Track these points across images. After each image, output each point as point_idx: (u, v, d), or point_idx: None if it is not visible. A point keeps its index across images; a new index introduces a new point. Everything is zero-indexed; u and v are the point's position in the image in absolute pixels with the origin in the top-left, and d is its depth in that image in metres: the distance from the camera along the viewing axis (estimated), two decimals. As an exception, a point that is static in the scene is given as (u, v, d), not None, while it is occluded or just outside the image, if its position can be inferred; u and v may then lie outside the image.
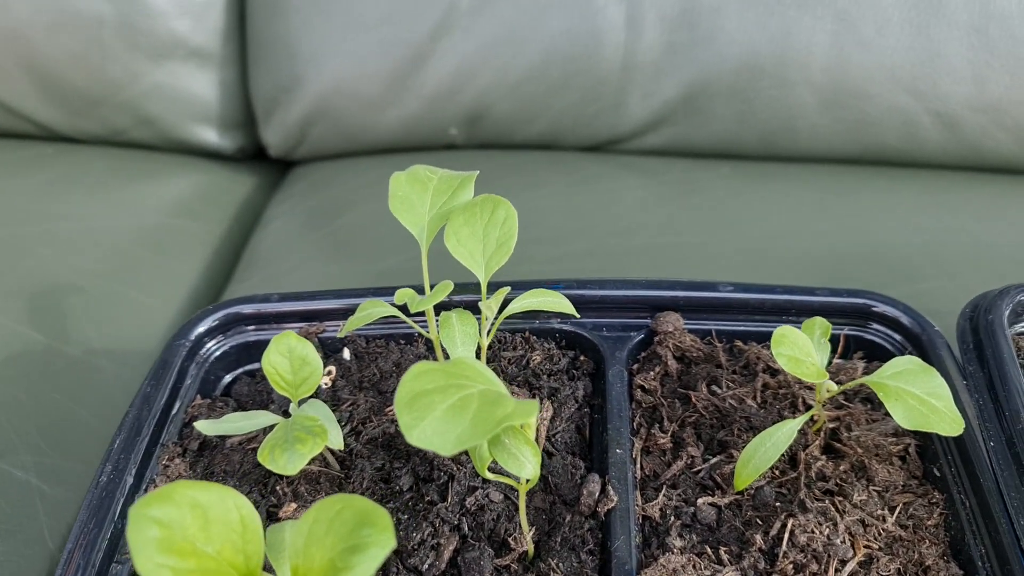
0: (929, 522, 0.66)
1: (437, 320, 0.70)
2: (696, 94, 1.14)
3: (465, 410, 0.54)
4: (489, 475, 0.61)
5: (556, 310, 0.71)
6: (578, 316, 0.73)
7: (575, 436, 0.73)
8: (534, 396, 0.74)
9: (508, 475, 0.62)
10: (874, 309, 0.75)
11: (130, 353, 1.00)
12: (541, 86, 1.14)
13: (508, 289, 0.68)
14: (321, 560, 0.51)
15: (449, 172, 0.74)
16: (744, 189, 1.15)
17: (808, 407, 0.72)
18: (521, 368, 0.77)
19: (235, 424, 0.68)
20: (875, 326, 0.75)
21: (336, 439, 0.66)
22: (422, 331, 0.72)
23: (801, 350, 0.63)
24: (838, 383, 0.67)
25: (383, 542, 0.49)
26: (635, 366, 0.77)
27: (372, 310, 0.72)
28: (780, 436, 0.65)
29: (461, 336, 0.68)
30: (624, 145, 1.20)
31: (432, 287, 0.68)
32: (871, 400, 0.74)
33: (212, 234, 1.16)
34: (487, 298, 0.68)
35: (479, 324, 0.69)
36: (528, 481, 0.62)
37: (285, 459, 0.61)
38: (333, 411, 0.75)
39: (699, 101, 1.15)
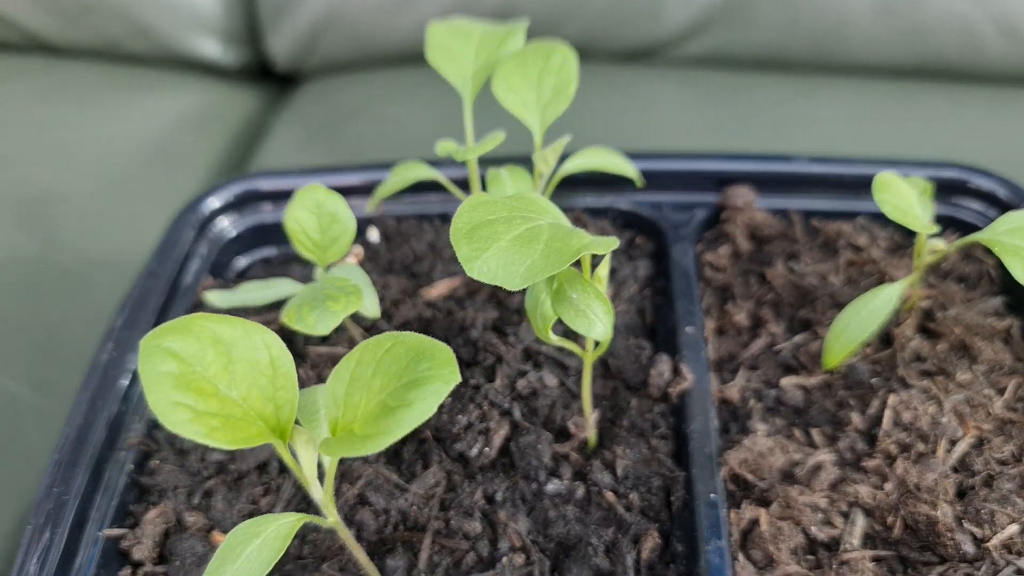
0: (1041, 403, 0.58)
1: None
2: (739, -3, 1.06)
3: (535, 240, 0.46)
4: (554, 338, 0.52)
5: (617, 172, 0.63)
6: (641, 184, 0.65)
7: (636, 319, 0.65)
8: (588, 276, 0.66)
9: (574, 340, 0.54)
10: (968, 184, 0.67)
11: (125, 265, 0.91)
12: (572, -15, 1.06)
13: (569, 138, 0.60)
14: (368, 405, 0.42)
15: (499, 25, 0.66)
16: (791, 101, 1.07)
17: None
18: (573, 248, 0.68)
19: (252, 294, 0.60)
20: (968, 203, 0.67)
21: (372, 305, 0.58)
22: (463, 196, 0.64)
23: (905, 200, 0.55)
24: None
25: (446, 376, 0.41)
26: (701, 246, 0.69)
27: (408, 173, 0.64)
28: (878, 303, 0.57)
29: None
30: (662, 54, 1.12)
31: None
32: (965, 280, 0.66)
33: (213, 149, 1.07)
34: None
35: (532, 182, 0.61)
36: (598, 347, 0.54)
37: (315, 317, 0.53)
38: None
39: (745, 4, 1.07)
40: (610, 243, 0.47)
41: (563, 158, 0.61)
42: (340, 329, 0.64)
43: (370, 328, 0.65)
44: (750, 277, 0.65)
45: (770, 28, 1.08)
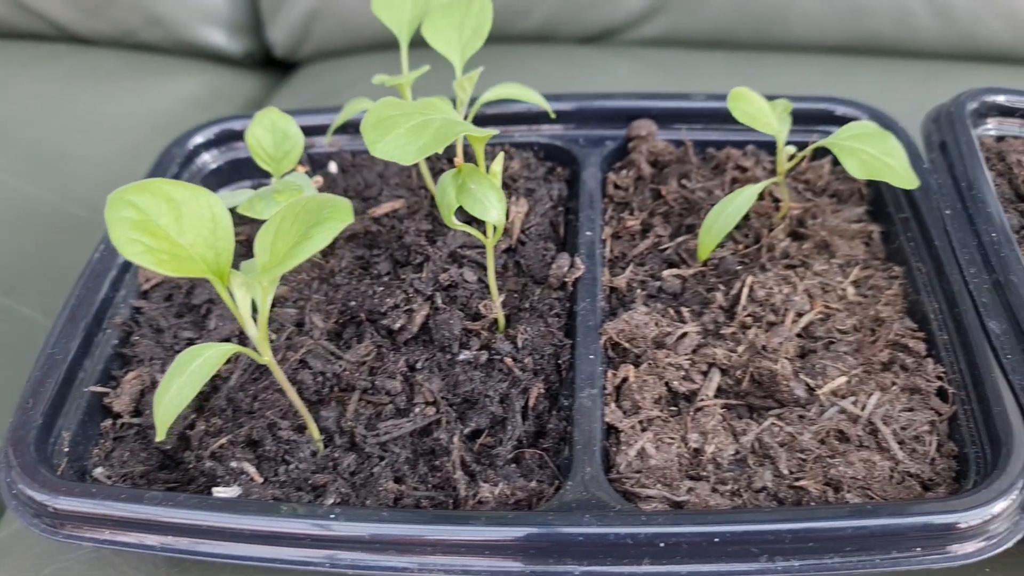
0: (889, 291, 0.68)
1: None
2: (688, -18, 1.17)
3: (427, 128, 0.57)
4: (456, 224, 0.63)
5: (529, 101, 0.74)
6: (553, 115, 0.76)
7: (549, 229, 0.76)
8: (510, 196, 0.77)
9: (476, 227, 0.65)
10: (836, 112, 0.77)
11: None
12: (536, -24, 1.18)
13: (481, 69, 0.71)
14: (286, 246, 0.53)
15: (431, -20, 0.77)
16: (737, 76, 1.17)
17: (776, 199, 0.74)
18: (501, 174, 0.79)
19: (228, 199, 0.72)
20: (835, 128, 0.77)
21: (314, 205, 0.69)
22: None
23: (756, 107, 0.66)
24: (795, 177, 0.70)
25: (341, 216, 0.52)
26: (611, 172, 0.79)
27: (356, 106, 0.76)
28: (740, 200, 0.67)
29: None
30: (620, 36, 1.23)
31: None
32: (838, 196, 0.76)
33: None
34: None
35: (454, 107, 0.72)
36: (496, 232, 0.64)
37: (262, 205, 0.64)
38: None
39: (691, -11, 1.18)
40: (487, 133, 0.58)
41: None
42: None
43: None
44: (647, 193, 0.76)
45: (718, 10, 1.19)
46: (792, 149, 0.67)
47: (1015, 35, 1.18)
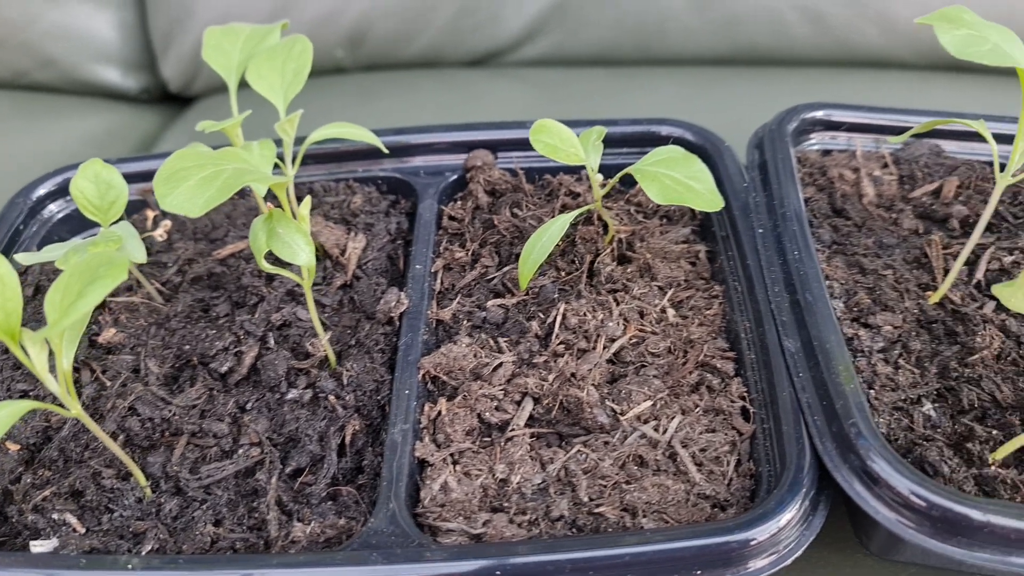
0: (708, 311, 0.69)
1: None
2: (567, 1, 1.19)
3: (216, 179, 0.58)
4: (266, 265, 0.64)
5: (357, 139, 0.75)
6: (386, 151, 0.77)
7: (386, 263, 0.77)
8: (349, 231, 0.78)
9: (290, 269, 0.66)
10: (661, 133, 0.78)
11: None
12: (419, 3, 1.19)
13: (301, 112, 0.72)
14: (68, 302, 0.54)
15: (264, 26, 0.79)
16: (618, 91, 1.19)
17: (604, 223, 0.75)
18: (342, 210, 0.81)
19: (51, 253, 0.72)
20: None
21: (139, 253, 0.70)
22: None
23: (563, 140, 0.67)
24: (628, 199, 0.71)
25: (115, 274, 0.53)
26: (451, 202, 0.81)
27: (185, 151, 0.77)
28: (553, 230, 0.68)
29: (260, 159, 0.72)
30: (505, 58, 1.24)
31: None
32: (669, 217, 0.77)
33: (112, 163, 1.20)
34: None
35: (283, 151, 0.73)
36: (310, 273, 0.65)
37: (77, 257, 0.65)
38: (166, 256, 0.79)
39: (571, 8, 1.19)
40: (283, 180, 0.59)
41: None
42: (140, 284, 0.76)
43: (165, 282, 0.77)
44: (481, 223, 0.77)
45: (599, 28, 1.20)
46: (599, 177, 0.68)
47: (888, 40, 1.20)
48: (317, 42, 1.22)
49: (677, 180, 0.66)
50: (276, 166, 0.73)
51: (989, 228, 0.74)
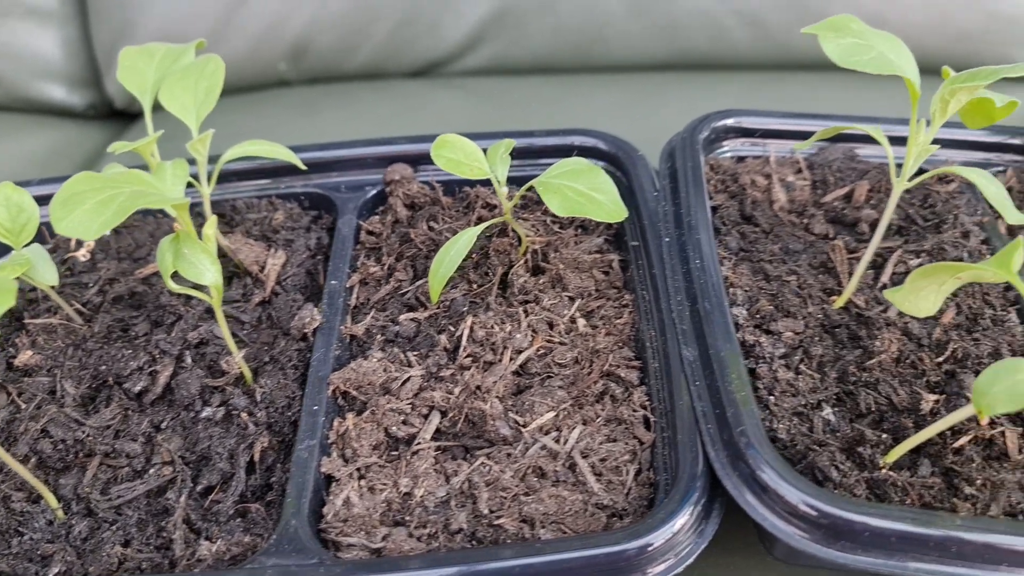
0: (618, 321, 0.70)
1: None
2: (507, 10, 1.19)
3: (112, 203, 0.58)
4: (174, 286, 0.64)
5: (272, 156, 0.76)
6: (304, 167, 0.78)
7: (305, 279, 0.77)
8: (270, 248, 0.78)
9: (199, 288, 0.67)
10: (575, 143, 0.79)
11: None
12: (360, 15, 1.20)
13: (212, 132, 0.72)
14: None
15: (179, 45, 0.79)
16: (559, 99, 1.20)
17: (517, 233, 0.75)
18: (263, 227, 0.81)
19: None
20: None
21: (50, 275, 0.70)
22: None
23: (467, 155, 0.67)
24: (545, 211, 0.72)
25: (2, 300, 0.54)
26: (372, 216, 0.81)
27: (84, 174, 0.77)
28: (461, 243, 0.68)
29: (172, 179, 0.72)
30: (447, 67, 1.25)
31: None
32: (585, 226, 0.77)
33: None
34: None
35: (199, 170, 0.73)
36: (218, 293, 0.66)
37: (-15, 282, 0.65)
38: (88, 276, 0.80)
39: (511, 17, 1.20)
40: (183, 201, 0.60)
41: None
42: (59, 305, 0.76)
43: (86, 303, 0.77)
44: (399, 238, 0.77)
45: (539, 37, 1.21)
46: (504, 190, 0.69)
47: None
48: (260, 56, 1.23)
49: (579, 192, 0.66)
50: (191, 185, 0.74)
51: (899, 231, 0.75)
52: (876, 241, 0.66)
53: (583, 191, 0.66)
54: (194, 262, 0.63)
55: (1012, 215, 0.61)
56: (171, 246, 0.64)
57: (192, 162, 0.75)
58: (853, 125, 0.66)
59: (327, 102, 1.23)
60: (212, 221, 0.65)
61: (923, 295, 0.58)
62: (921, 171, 0.65)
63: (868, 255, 0.66)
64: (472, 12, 1.20)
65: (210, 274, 0.63)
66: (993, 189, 0.62)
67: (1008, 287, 0.70)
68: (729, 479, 0.55)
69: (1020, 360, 0.52)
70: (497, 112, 1.19)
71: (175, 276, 0.62)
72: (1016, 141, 0.83)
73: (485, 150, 0.70)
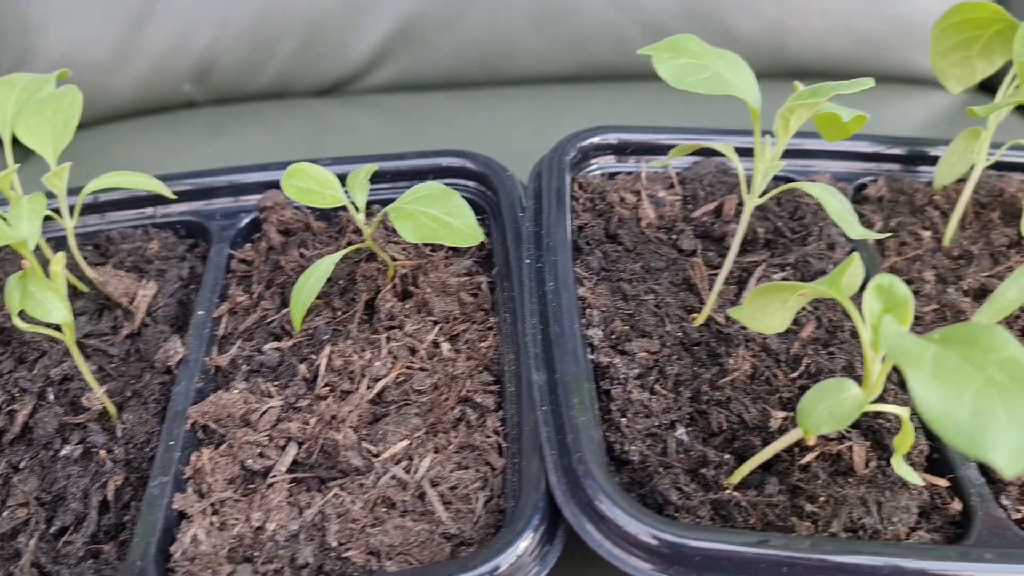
0: (482, 344, 0.69)
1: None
2: (411, 27, 1.19)
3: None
4: (22, 324, 0.63)
5: (138, 187, 0.75)
6: (173, 196, 0.77)
7: (176, 310, 0.76)
8: (142, 279, 0.77)
9: (49, 326, 0.66)
10: (443, 164, 0.79)
11: None
12: (263, 34, 1.19)
13: (70, 164, 0.72)
14: None
15: (40, 75, 0.78)
16: (467, 114, 1.20)
17: (393, 258, 0.75)
18: (137, 257, 0.80)
19: None
20: (452, 180, 0.79)
21: None
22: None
23: (319, 183, 0.67)
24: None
25: None
26: (247, 244, 0.80)
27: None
28: (321, 270, 0.68)
29: (27, 214, 0.72)
30: (355, 85, 1.25)
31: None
32: (457, 248, 0.77)
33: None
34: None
35: (60, 203, 0.73)
36: (69, 329, 0.65)
37: None
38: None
39: (416, 33, 1.20)
40: (8, 239, 0.59)
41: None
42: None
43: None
44: (270, 265, 0.77)
45: (444, 52, 1.21)
46: (362, 218, 0.68)
47: (732, 51, 1.21)
48: (164, 77, 1.22)
49: (433, 217, 0.66)
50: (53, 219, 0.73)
51: (766, 244, 0.75)
52: (731, 257, 0.66)
53: (437, 216, 0.66)
54: (41, 300, 0.63)
55: (853, 231, 0.61)
56: (18, 284, 0.63)
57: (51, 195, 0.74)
58: (706, 141, 0.66)
59: (234, 122, 1.22)
60: (59, 258, 0.64)
61: (769, 312, 0.58)
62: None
63: (724, 271, 0.66)
64: (376, 29, 1.19)
65: (58, 312, 0.63)
66: (836, 204, 0.62)
67: (870, 298, 0.70)
68: (567, 507, 0.55)
69: (845, 380, 0.52)
70: (405, 129, 1.18)
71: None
72: (894, 151, 0.84)
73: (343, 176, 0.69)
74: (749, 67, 0.62)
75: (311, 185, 0.66)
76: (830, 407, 0.51)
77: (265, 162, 0.82)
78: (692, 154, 0.79)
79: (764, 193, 0.64)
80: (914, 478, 0.58)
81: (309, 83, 1.24)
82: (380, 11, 1.18)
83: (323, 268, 0.68)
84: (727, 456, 0.59)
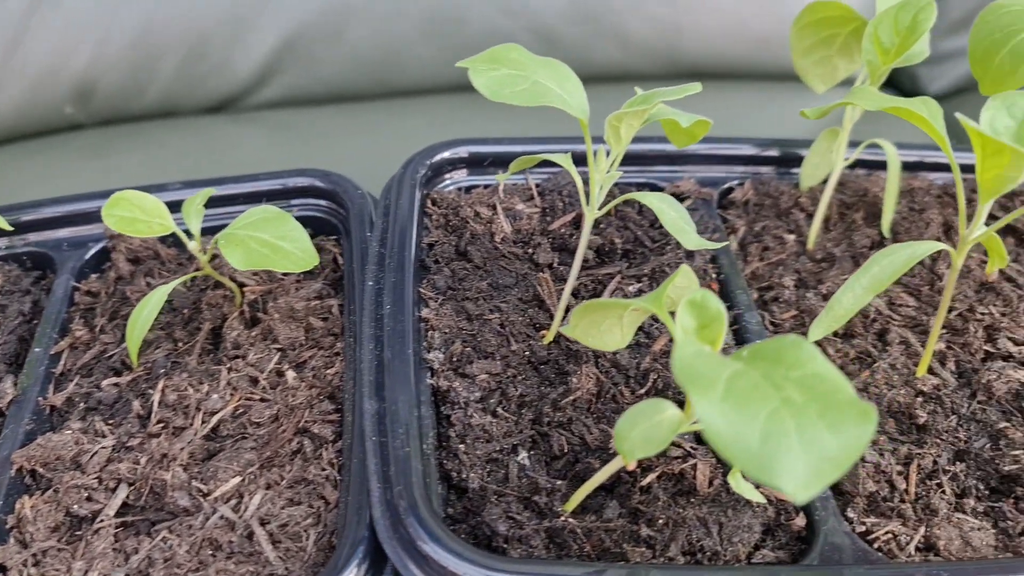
0: (328, 371, 0.67)
1: None
2: (296, 41, 1.16)
3: None
4: None
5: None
6: (10, 228, 0.74)
7: (16, 347, 0.73)
8: (-19, 315, 0.74)
9: None
10: (292, 184, 0.76)
11: None
12: (143, 53, 1.16)
13: None
14: None
15: None
16: (358, 127, 1.17)
17: (240, 283, 0.72)
18: (-24, 292, 0.77)
19: None
20: (304, 200, 0.76)
21: None
22: None
23: (145, 211, 0.64)
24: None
25: None
26: (93, 275, 0.77)
27: None
28: (154, 301, 0.65)
29: None
30: (243, 102, 1.22)
31: None
32: (310, 271, 0.74)
33: None
34: None
35: None
36: None
37: None
38: None
39: (300, 47, 1.17)
40: None
41: None
42: None
43: None
44: (116, 296, 0.74)
45: (332, 65, 1.18)
46: (199, 250, 0.66)
47: (626, 54, 1.20)
48: (42, 100, 1.18)
49: (264, 242, 0.63)
50: None
51: (625, 255, 0.73)
52: (575, 271, 0.64)
53: (268, 240, 0.63)
54: None
55: (689, 240, 0.60)
56: None
57: None
58: (547, 153, 0.64)
59: (121, 143, 1.19)
60: None
61: (604, 328, 0.56)
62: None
63: (569, 285, 0.64)
64: (261, 44, 1.16)
65: None
66: (672, 214, 0.60)
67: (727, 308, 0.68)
68: (389, 544, 0.53)
69: (661, 401, 0.50)
70: (296, 145, 1.16)
71: None
72: (768, 153, 0.82)
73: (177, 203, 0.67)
74: (575, 75, 0.60)
75: (135, 214, 0.63)
76: (645, 431, 0.49)
77: (104, 190, 0.79)
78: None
79: (605, 204, 0.62)
80: (754, 495, 0.56)
81: (197, 101, 1.21)
82: (265, 27, 1.15)
83: (156, 299, 0.65)
84: (559, 482, 0.57)
